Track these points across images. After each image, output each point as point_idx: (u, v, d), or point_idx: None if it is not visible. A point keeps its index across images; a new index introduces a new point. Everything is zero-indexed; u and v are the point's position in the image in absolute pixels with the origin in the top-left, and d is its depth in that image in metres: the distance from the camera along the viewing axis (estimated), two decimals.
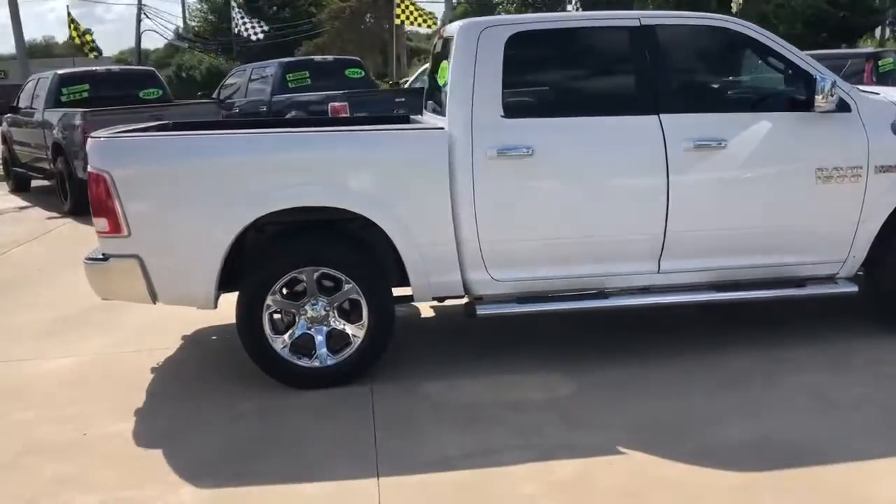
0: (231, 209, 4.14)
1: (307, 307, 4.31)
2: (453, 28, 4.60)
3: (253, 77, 12.73)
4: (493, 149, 4.20)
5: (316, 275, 4.27)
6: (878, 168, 4.43)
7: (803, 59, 4.46)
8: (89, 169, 4.19)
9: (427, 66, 14.78)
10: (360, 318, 4.31)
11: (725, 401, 3.98)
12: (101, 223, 4.18)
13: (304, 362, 4.31)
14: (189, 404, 4.24)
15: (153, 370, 4.78)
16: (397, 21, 18.60)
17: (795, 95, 4.43)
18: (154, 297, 4.27)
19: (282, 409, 4.12)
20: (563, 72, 4.58)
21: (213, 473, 3.50)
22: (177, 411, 4.17)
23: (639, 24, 4.40)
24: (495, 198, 4.24)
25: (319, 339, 4.33)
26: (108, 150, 4.21)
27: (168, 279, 4.23)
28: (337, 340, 4.36)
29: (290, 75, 12.10)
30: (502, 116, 4.25)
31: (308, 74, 12.23)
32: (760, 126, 4.37)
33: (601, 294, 4.45)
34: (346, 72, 12.85)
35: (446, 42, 4.81)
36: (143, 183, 4.17)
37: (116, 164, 4.12)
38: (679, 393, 4.09)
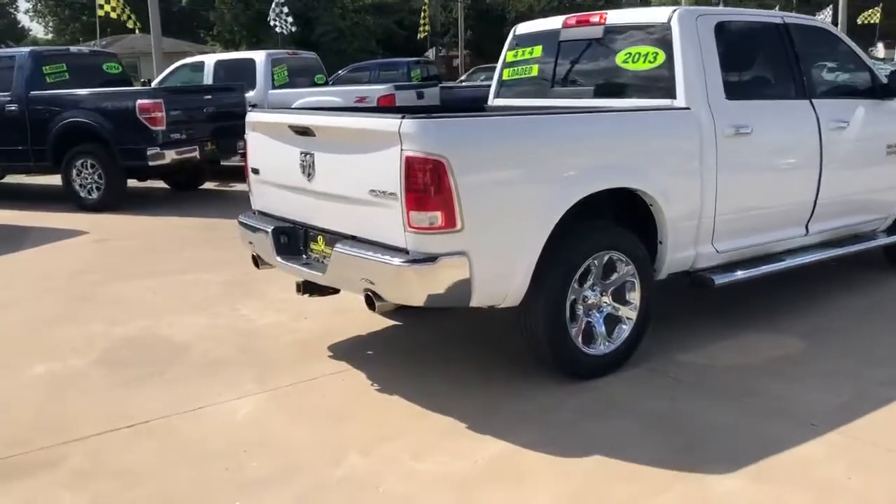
0: (554, 194, 3.85)
1: (589, 293, 4.17)
2: (647, 15, 4.78)
3: None
4: (730, 127, 4.52)
5: (605, 259, 4.16)
6: None
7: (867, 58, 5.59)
8: (412, 153, 3.51)
9: (181, 63, 13.38)
10: (628, 299, 4.30)
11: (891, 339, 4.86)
12: (429, 217, 3.54)
13: (591, 350, 4.17)
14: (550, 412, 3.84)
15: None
16: (101, 12, 16.24)
17: (879, 85, 5.50)
18: (468, 299, 3.75)
19: (612, 405, 3.95)
20: (754, 59, 5.06)
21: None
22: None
23: (783, 23, 5.09)
24: (729, 173, 4.55)
25: (599, 324, 4.22)
26: (446, 132, 3.59)
27: (489, 275, 3.73)
28: (609, 325, 4.28)
29: (48, 68, 10.04)
30: (726, 98, 4.59)
31: (65, 68, 10.27)
32: (860, 111, 5.35)
33: (776, 256, 5.04)
34: (105, 66, 11.07)
35: (611, 30, 4.93)
36: (478, 169, 3.65)
37: (455, 148, 3.55)
38: (869, 333, 4.88)
